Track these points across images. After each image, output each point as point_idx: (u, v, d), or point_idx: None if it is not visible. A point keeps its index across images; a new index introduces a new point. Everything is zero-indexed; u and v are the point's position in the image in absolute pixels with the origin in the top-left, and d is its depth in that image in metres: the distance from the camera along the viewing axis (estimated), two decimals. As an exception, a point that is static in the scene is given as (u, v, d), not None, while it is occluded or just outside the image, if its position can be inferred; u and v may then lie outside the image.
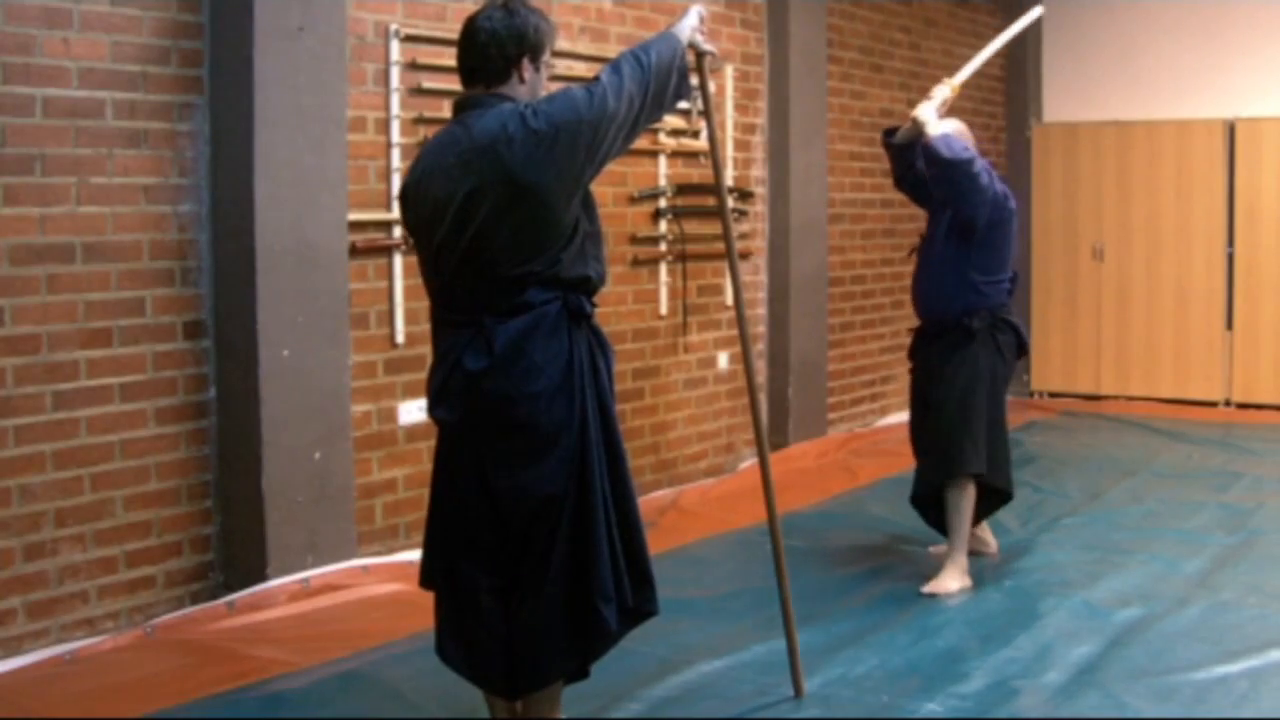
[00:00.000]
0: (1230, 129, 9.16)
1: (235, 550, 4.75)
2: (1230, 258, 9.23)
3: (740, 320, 3.90)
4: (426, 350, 3.55)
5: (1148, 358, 9.51)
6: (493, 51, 3.15)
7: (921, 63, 8.80)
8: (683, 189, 6.66)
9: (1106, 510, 6.28)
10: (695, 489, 6.66)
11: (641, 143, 6.15)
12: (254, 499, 4.67)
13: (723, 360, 7.10)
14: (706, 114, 3.73)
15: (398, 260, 5.25)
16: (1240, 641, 4.34)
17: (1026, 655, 4.26)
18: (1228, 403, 9.26)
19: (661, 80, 3.21)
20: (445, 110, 4.96)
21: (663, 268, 6.65)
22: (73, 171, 4.33)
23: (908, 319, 5.45)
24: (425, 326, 3.68)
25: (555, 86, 3.38)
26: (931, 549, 5.46)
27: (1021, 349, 5.17)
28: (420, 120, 5.31)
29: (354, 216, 5.02)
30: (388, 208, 5.20)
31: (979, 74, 5.43)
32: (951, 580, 4.97)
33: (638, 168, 6.45)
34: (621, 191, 6.37)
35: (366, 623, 4.57)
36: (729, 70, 7.02)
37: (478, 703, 3.48)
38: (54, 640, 4.29)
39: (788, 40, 7.32)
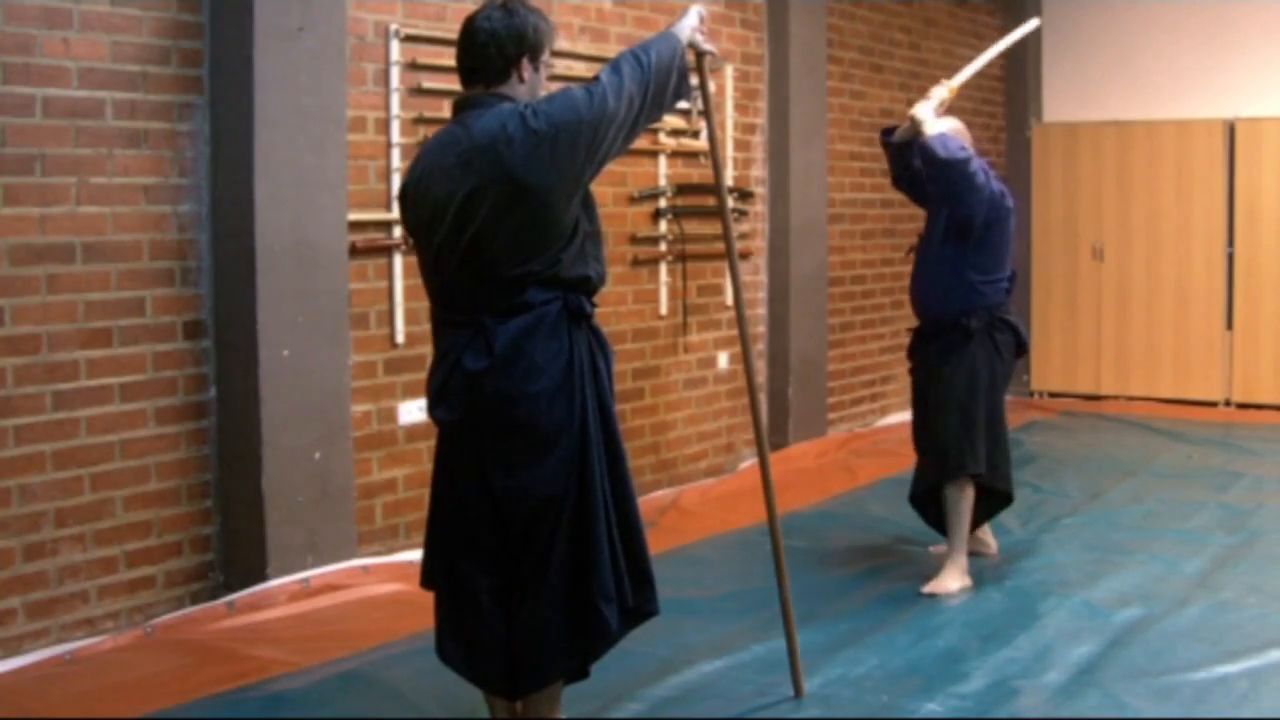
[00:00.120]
0: (1230, 129, 9.16)
1: (235, 550, 4.75)
2: (1230, 258, 9.23)
3: (740, 320, 3.90)
4: (426, 350, 3.55)
5: (1148, 358, 9.51)
6: (492, 51, 3.15)
7: (921, 63, 8.80)
8: (683, 189, 6.66)
9: (1106, 510, 6.28)
10: (695, 489, 6.66)
11: (641, 143, 6.15)
12: (254, 499, 4.67)
13: (723, 360, 7.10)
14: (706, 114, 3.73)
15: (398, 260, 5.25)
16: (1240, 641, 4.34)
17: (1026, 655, 4.26)
18: (1228, 403, 9.26)
19: (661, 80, 3.21)
20: (445, 110, 4.96)
21: (663, 268, 6.65)
22: (73, 171, 4.33)
23: (907, 319, 5.45)
24: (425, 326, 3.68)
25: (555, 86, 3.38)
26: (931, 549, 5.46)
27: (1020, 348, 5.16)
28: (420, 120, 5.31)
29: (354, 216, 5.03)
30: (388, 208, 5.20)
31: (979, 74, 5.43)
32: (952, 580, 4.97)
33: (638, 168, 6.45)
34: (621, 191, 6.37)
35: (366, 623, 4.57)
36: (729, 70, 7.02)
37: (478, 703, 3.48)
38: (54, 640, 4.29)
39: (788, 40, 7.32)
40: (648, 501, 6.11)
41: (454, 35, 3.27)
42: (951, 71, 5.39)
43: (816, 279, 7.64)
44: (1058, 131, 9.84)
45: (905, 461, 5.79)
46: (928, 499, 5.23)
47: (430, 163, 3.16)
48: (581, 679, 3.30)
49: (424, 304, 4.03)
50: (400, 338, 5.28)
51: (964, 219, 4.92)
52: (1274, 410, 9.01)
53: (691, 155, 6.75)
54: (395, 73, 5.23)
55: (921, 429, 5.22)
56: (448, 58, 3.73)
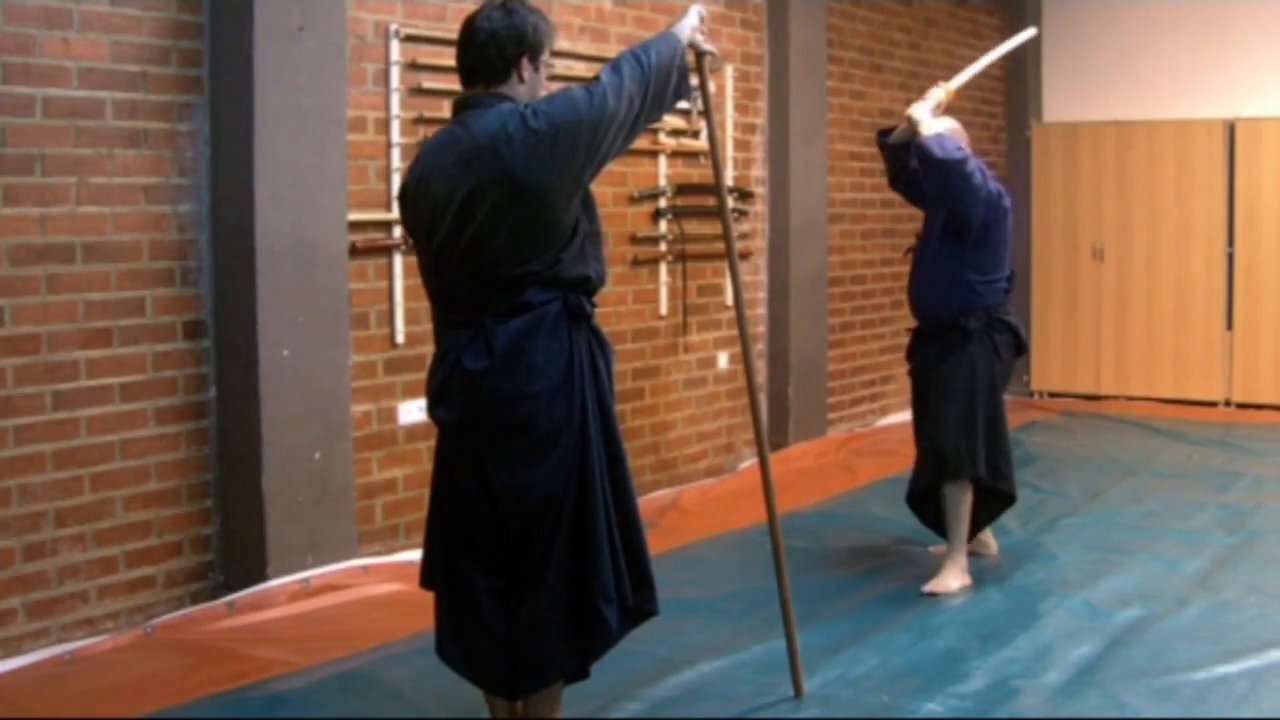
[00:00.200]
0: (1230, 129, 9.16)
1: (235, 550, 4.75)
2: (1230, 258, 9.23)
3: (740, 320, 3.90)
4: (426, 350, 3.55)
5: (1148, 358, 9.51)
6: (492, 51, 3.15)
7: (921, 63, 8.80)
8: (683, 189, 6.66)
9: (1106, 510, 6.28)
10: (695, 489, 6.66)
11: (641, 143, 6.15)
12: (254, 499, 4.67)
13: (723, 360, 7.10)
14: (706, 114, 3.73)
15: (398, 260, 5.25)
16: (1240, 641, 4.34)
17: (1026, 655, 4.26)
18: (1228, 403, 9.26)
19: (661, 80, 3.21)
20: (445, 110, 4.96)
21: (663, 268, 6.65)
22: (73, 171, 4.33)
23: (907, 319, 5.44)
24: (425, 326, 3.68)
25: (555, 86, 3.39)
26: (931, 549, 5.46)
27: (1019, 349, 5.15)
28: (420, 120, 5.31)
29: (354, 216, 5.03)
30: (388, 208, 5.20)
31: (979, 74, 5.44)
32: (952, 579, 4.97)
33: (638, 168, 6.45)
34: (621, 191, 6.37)
35: (366, 623, 4.57)
36: (729, 70, 7.02)
37: (478, 703, 3.48)
38: (54, 640, 4.29)
39: (788, 40, 7.32)
40: (648, 501, 6.11)
41: (454, 35, 3.27)
42: (951, 72, 5.39)
43: (816, 279, 7.64)
44: (1058, 131, 9.84)
45: (905, 461, 5.79)
46: (925, 499, 5.23)
47: (430, 163, 3.16)
48: (581, 679, 3.30)
49: (424, 304, 4.03)
50: (400, 338, 5.28)
51: (962, 219, 4.92)
52: (1274, 410, 9.01)
53: (691, 155, 6.75)
54: (395, 73, 5.23)
55: (922, 430, 5.22)
56: (448, 58, 3.73)
